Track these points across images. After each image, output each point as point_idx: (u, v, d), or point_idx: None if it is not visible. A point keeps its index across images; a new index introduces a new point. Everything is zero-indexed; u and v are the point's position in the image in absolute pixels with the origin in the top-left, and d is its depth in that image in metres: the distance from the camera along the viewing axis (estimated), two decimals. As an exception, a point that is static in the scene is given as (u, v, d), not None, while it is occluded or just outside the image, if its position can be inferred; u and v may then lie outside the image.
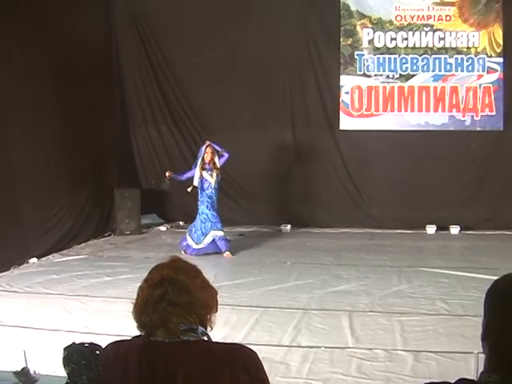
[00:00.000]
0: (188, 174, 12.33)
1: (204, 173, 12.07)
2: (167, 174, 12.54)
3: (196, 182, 12.08)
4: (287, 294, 9.08)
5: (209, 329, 2.59)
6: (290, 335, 7.26)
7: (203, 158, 12.06)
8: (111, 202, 14.23)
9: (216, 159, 12.15)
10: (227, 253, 11.98)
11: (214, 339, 2.61)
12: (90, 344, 3.63)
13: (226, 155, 12.25)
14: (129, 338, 2.60)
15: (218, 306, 2.66)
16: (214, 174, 12.13)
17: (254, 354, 2.50)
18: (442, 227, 14.47)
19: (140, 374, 2.42)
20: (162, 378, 2.40)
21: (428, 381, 2.41)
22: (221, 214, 15.14)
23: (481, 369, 2.27)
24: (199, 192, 12.19)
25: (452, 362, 6.30)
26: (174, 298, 2.46)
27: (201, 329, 2.52)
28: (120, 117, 15.40)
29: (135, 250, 12.48)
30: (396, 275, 10.12)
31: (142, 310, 2.50)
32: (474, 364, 5.88)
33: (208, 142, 12.18)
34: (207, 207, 12.21)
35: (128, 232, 14.13)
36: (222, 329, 7.01)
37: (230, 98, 15.03)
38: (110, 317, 7.88)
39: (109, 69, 14.78)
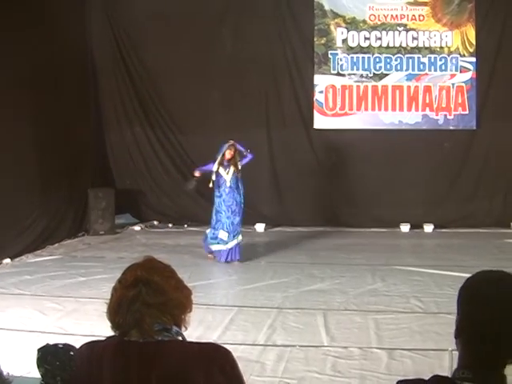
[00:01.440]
0: (210, 166, 11.63)
1: (220, 168, 11.44)
2: (196, 173, 11.88)
3: (213, 176, 11.45)
4: (262, 293, 9.09)
5: (183, 329, 2.58)
6: (265, 334, 7.27)
7: (224, 154, 11.44)
8: (85, 202, 14.16)
9: (238, 159, 11.50)
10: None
11: (189, 339, 2.61)
12: (65, 345, 3.60)
13: (250, 156, 11.61)
14: (103, 339, 2.58)
15: (193, 306, 2.65)
16: (231, 171, 11.40)
17: (228, 353, 2.50)
18: (416, 225, 14.56)
19: (114, 375, 2.41)
20: (136, 379, 2.39)
21: (402, 378, 2.42)
22: (195, 213, 15.19)
23: (455, 366, 2.29)
24: (215, 189, 11.54)
25: (426, 360, 6.34)
26: (148, 298, 2.45)
27: (175, 329, 2.52)
28: (94, 117, 15.29)
29: (109, 250, 12.42)
30: (370, 274, 10.15)
31: (116, 311, 2.49)
32: (448, 361, 5.92)
33: (232, 142, 11.57)
34: (225, 210, 11.45)
35: (102, 232, 14.06)
36: (197, 328, 7.00)
37: (204, 99, 15.00)
38: (84, 317, 7.84)
39: (83, 70, 14.68)
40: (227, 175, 11.39)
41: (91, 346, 2.58)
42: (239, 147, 11.56)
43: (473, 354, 2.21)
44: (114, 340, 2.48)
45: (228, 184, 11.36)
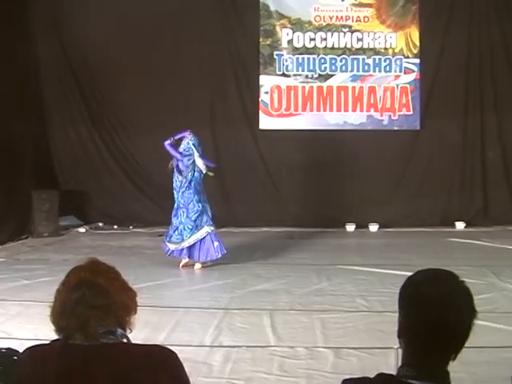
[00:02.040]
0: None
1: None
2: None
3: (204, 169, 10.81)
4: (208, 293, 9.07)
5: (128, 331, 2.56)
6: (211, 335, 7.24)
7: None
8: (29, 203, 13.95)
9: None
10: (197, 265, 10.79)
11: (135, 341, 2.58)
12: (8, 349, 3.55)
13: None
14: (47, 342, 2.54)
15: (139, 308, 2.62)
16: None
17: (174, 355, 2.48)
18: (361, 225, 14.68)
19: (58, 379, 2.37)
20: (81, 382, 2.36)
21: (348, 377, 2.44)
22: (140, 215, 15.11)
23: (400, 363, 2.31)
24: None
25: (372, 358, 6.38)
26: (92, 301, 2.42)
27: (120, 331, 2.49)
28: (38, 117, 15.09)
29: (53, 253, 12.25)
30: (316, 273, 10.18)
31: (59, 314, 2.45)
32: (393, 359, 5.96)
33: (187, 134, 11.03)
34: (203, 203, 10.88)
35: (46, 234, 13.89)
36: (144, 330, 6.94)
37: (149, 98, 14.91)
38: (28, 321, 7.71)
39: (25, 68, 14.46)
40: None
41: (35, 350, 2.54)
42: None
43: (416, 352, 2.24)
44: (58, 344, 2.44)
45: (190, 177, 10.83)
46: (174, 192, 10.86)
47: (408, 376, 2.23)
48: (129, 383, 2.35)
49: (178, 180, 10.81)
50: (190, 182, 10.66)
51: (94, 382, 2.34)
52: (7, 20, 13.26)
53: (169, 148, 10.88)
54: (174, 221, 10.75)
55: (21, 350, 2.71)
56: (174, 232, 10.66)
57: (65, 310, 2.42)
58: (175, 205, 10.84)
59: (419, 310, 2.25)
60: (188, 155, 10.78)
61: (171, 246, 10.65)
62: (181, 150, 10.86)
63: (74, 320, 2.40)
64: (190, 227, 10.53)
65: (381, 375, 2.33)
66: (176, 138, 10.97)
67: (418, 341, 2.24)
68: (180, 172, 10.77)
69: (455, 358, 2.28)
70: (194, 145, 10.83)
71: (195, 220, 10.57)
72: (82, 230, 14.83)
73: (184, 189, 10.66)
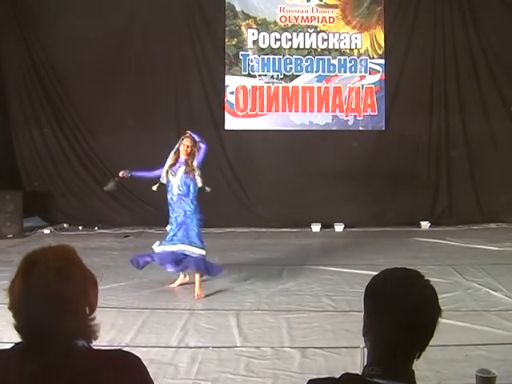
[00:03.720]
0: (157, 172, 9.50)
1: (170, 170, 9.30)
2: (121, 174, 9.76)
3: (163, 179, 9.30)
4: (173, 295, 9.05)
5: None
6: (177, 336, 7.22)
7: (178, 151, 9.30)
8: (-9, 204, 13.80)
9: (196, 153, 9.34)
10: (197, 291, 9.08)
11: (100, 342, 2.54)
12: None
13: (204, 147, 9.42)
14: (9, 347, 2.50)
15: (105, 310, 2.59)
16: (180, 172, 9.21)
17: (137, 359, 2.44)
18: (327, 225, 14.73)
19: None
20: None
21: (315, 377, 2.43)
22: (106, 216, 15.00)
23: (366, 363, 2.31)
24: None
25: (338, 357, 6.41)
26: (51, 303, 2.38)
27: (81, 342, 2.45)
28: (1, 118, 14.93)
29: (18, 254, 12.04)
30: (282, 273, 10.20)
31: (17, 314, 2.41)
32: (359, 358, 5.98)
33: (188, 133, 9.50)
34: (170, 222, 9.36)
35: (10, 235, 13.72)
36: (109, 332, 6.91)
37: (114, 98, 14.82)
38: (-9, 323, 7.63)
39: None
40: (175, 178, 9.23)
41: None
42: (195, 137, 9.46)
43: (381, 350, 2.26)
44: (20, 348, 2.40)
45: (176, 191, 9.21)
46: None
47: (373, 375, 2.24)
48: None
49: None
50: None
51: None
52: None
53: (139, 174, 9.88)
54: None
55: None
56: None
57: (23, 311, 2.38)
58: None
59: (384, 308, 2.27)
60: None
61: None
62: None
63: (34, 326, 2.35)
64: None
65: (346, 375, 2.34)
66: (138, 175, 9.92)
67: (383, 340, 2.26)
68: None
69: (419, 357, 2.29)
70: None
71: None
72: (46, 231, 14.68)
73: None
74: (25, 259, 2.42)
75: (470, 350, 6.55)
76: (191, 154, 9.25)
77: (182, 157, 9.26)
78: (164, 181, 9.30)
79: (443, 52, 15.04)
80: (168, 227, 9.38)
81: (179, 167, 9.23)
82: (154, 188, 9.41)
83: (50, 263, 2.38)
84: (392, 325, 2.23)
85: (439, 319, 2.30)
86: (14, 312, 2.39)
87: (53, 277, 2.35)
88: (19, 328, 2.39)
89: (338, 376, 2.34)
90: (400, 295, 2.27)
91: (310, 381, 2.37)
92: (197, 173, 9.25)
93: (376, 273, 2.42)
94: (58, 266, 2.39)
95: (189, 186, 9.19)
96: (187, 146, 9.21)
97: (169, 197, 9.27)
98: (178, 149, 9.32)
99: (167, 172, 9.27)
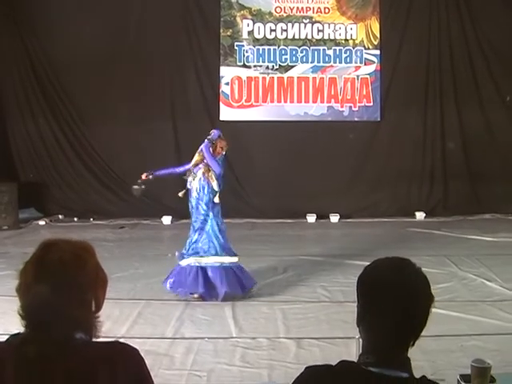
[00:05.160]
0: (181, 169, 8.96)
1: (192, 171, 8.71)
2: (143, 176, 9.16)
3: (188, 183, 8.74)
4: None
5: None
6: (173, 327, 7.23)
7: (216, 147, 8.65)
8: (-13, 196, 13.78)
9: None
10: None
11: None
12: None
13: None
14: (5, 340, 2.50)
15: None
16: (199, 175, 8.62)
17: (134, 351, 2.44)
18: (322, 216, 14.73)
19: (16, 376, 2.33)
20: (39, 380, 2.32)
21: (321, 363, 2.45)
22: (101, 207, 14.98)
23: (361, 351, 2.33)
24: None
25: (334, 348, 6.43)
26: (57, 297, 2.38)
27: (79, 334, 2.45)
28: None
29: (13, 246, 12.10)
30: (277, 264, 10.21)
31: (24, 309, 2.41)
32: (355, 348, 5.99)
33: (220, 132, 8.89)
34: (191, 228, 8.79)
35: (5, 227, 13.72)
36: (105, 323, 6.86)
37: (109, 90, 14.78)
38: (-13, 314, 7.63)
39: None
40: (194, 181, 8.67)
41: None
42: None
43: (375, 339, 2.28)
44: (17, 340, 2.40)
45: (194, 194, 8.67)
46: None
47: (368, 363, 2.26)
48: (86, 381, 2.31)
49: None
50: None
51: (53, 380, 2.30)
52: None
53: (207, 154, 8.61)
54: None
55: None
56: None
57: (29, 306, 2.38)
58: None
59: (376, 297, 2.29)
60: (223, 164, 8.85)
61: None
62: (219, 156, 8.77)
63: (39, 331, 2.35)
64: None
65: (342, 362, 2.36)
66: (213, 138, 8.70)
67: (377, 328, 2.28)
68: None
69: (414, 344, 2.31)
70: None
71: None
72: (41, 222, 14.67)
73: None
74: (43, 241, 2.43)
75: (465, 340, 6.57)
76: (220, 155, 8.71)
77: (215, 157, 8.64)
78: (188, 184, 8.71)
79: (438, 43, 15.03)
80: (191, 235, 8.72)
81: (199, 169, 8.65)
82: (180, 195, 8.86)
83: (69, 247, 2.42)
84: (385, 313, 2.25)
85: (432, 307, 2.31)
86: (21, 293, 2.39)
87: (69, 258, 2.38)
88: (23, 310, 2.38)
89: (334, 364, 2.36)
90: (392, 283, 2.28)
91: (307, 367, 2.40)
92: (213, 175, 8.58)
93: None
94: (76, 251, 2.43)
95: (204, 189, 8.60)
96: (225, 146, 8.78)
97: (190, 201, 8.73)
98: (215, 144, 8.64)
99: (190, 172, 8.69)
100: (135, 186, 9.41)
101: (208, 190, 8.55)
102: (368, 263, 2.44)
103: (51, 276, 2.33)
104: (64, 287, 2.33)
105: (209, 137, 8.67)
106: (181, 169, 8.92)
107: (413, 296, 2.27)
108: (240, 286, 8.44)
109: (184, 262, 8.49)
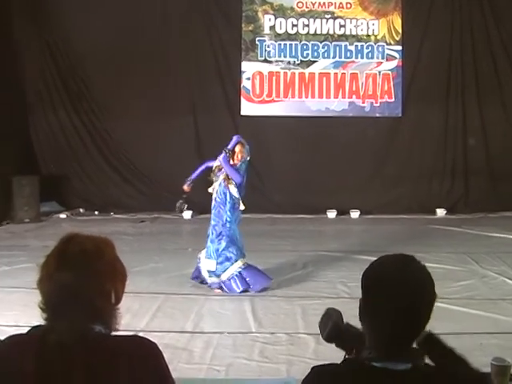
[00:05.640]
0: (210, 164, 9.04)
1: (215, 172, 8.84)
2: (185, 187, 9.38)
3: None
4: (189, 280, 9.03)
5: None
6: (192, 321, 7.24)
7: (233, 152, 8.70)
8: (9, 189, 13.84)
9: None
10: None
11: (116, 327, 2.56)
12: (-13, 336, 3.53)
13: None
14: (27, 331, 2.52)
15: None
16: (220, 179, 8.74)
17: (153, 345, 2.45)
18: (343, 212, 14.71)
19: (36, 369, 2.35)
20: (59, 373, 2.33)
21: (324, 362, 2.47)
22: (121, 201, 15.01)
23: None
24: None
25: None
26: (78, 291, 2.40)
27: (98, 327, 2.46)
28: (17, 102, 14.94)
29: (34, 239, 12.16)
30: (297, 260, 10.20)
31: (45, 303, 2.43)
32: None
33: (240, 138, 8.91)
34: (210, 233, 8.84)
35: (27, 220, 13.79)
36: (124, 317, 6.84)
37: (130, 84, 14.82)
38: (8, 307, 7.66)
39: (5, 53, 14.27)
40: (215, 183, 8.79)
41: (14, 339, 2.51)
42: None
43: (379, 334, 2.31)
44: (37, 333, 2.42)
45: (214, 195, 8.77)
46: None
47: (371, 358, 2.28)
48: (106, 375, 2.32)
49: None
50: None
51: (73, 373, 2.32)
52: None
53: (225, 165, 8.61)
54: None
55: (1, 337, 2.68)
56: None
57: (49, 300, 2.39)
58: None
59: (380, 293, 2.31)
60: (245, 171, 8.79)
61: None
62: (240, 162, 8.72)
63: (60, 320, 2.37)
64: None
65: (347, 359, 2.42)
66: (230, 147, 8.71)
67: (380, 323, 2.30)
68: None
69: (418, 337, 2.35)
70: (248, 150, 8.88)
71: None
72: (62, 215, 14.75)
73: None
74: (64, 235, 2.47)
75: (485, 338, 6.53)
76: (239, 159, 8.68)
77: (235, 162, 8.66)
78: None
79: (460, 38, 14.95)
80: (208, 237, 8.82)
81: (221, 173, 8.70)
82: (211, 190, 8.85)
83: (89, 240, 2.47)
84: (388, 309, 2.26)
85: (434, 303, 2.32)
86: (42, 285, 2.41)
87: (89, 248, 2.42)
88: (44, 299, 2.40)
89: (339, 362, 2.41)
90: (396, 279, 2.30)
91: (313, 367, 2.42)
92: (233, 183, 8.63)
93: None
94: (96, 243, 2.47)
95: (226, 195, 8.64)
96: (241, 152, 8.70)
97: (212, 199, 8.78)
98: (233, 150, 8.68)
99: (213, 172, 8.79)
100: (180, 201, 9.47)
101: (230, 197, 8.65)
102: None
103: (72, 265, 2.37)
104: (84, 275, 2.36)
105: (225, 148, 8.70)
106: (212, 162, 8.96)
107: (416, 292, 2.28)
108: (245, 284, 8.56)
109: (225, 276, 8.53)
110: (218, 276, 8.55)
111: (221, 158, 8.66)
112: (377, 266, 2.42)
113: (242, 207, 8.72)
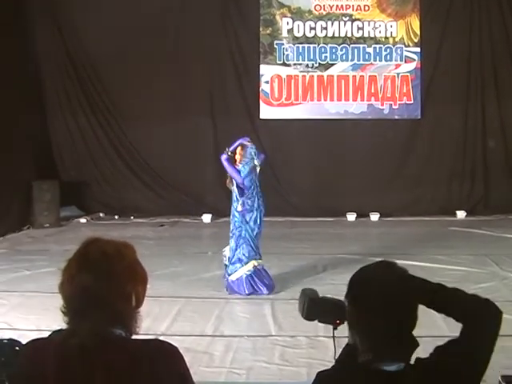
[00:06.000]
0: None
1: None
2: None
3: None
4: (209, 283, 9.06)
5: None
6: (212, 325, 7.26)
7: (233, 156, 8.79)
8: (29, 194, 13.92)
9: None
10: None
11: (136, 332, 2.58)
12: (10, 340, 3.55)
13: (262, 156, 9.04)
14: (48, 336, 2.54)
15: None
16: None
17: (174, 349, 2.46)
18: (362, 214, 14.68)
19: (58, 373, 2.36)
20: (79, 377, 2.35)
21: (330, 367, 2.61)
22: (141, 205, 15.06)
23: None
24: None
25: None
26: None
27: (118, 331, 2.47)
28: (37, 107, 15.03)
29: (54, 243, 12.23)
30: (316, 262, 10.19)
31: (66, 307, 2.45)
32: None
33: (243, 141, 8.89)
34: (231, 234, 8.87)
35: (47, 225, 13.86)
36: (145, 320, 6.85)
37: (148, 88, 14.87)
38: (29, 311, 7.72)
39: (25, 58, 14.36)
40: (233, 186, 8.84)
41: (36, 343, 2.53)
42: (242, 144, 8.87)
43: (372, 338, 2.39)
44: (58, 337, 2.43)
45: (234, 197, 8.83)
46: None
47: (367, 361, 2.36)
48: (127, 378, 2.33)
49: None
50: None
51: (93, 377, 2.33)
52: (5, 10, 13.16)
53: (226, 164, 8.70)
54: None
55: (22, 341, 2.71)
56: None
57: (71, 302, 2.41)
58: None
59: (367, 295, 2.42)
60: (249, 173, 8.71)
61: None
62: (241, 164, 8.73)
63: (81, 322, 2.38)
64: None
65: (347, 363, 2.56)
66: (231, 149, 8.78)
67: (371, 328, 2.38)
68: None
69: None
70: (254, 154, 8.82)
71: None
72: (82, 220, 14.82)
73: None
74: (86, 239, 2.49)
75: (507, 340, 6.48)
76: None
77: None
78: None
79: (479, 40, 14.88)
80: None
81: None
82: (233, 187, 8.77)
83: (110, 243, 2.49)
84: (376, 309, 2.35)
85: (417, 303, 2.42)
86: (64, 288, 2.43)
87: (110, 250, 2.44)
88: (65, 301, 2.42)
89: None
90: (380, 280, 2.43)
91: (318, 373, 2.53)
92: (235, 184, 8.72)
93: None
94: (117, 247, 2.48)
95: (236, 196, 8.76)
96: (240, 155, 8.73)
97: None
98: (235, 151, 8.75)
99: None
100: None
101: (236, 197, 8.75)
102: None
103: (93, 267, 2.38)
104: (105, 278, 2.38)
105: (227, 148, 8.79)
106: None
107: (402, 292, 2.39)
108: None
109: (234, 276, 8.61)
110: (229, 275, 8.63)
111: (223, 157, 8.73)
112: (361, 273, 2.55)
113: (239, 208, 8.69)
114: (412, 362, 2.39)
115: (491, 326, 2.59)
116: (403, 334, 2.37)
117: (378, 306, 2.34)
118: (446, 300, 2.54)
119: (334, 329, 2.79)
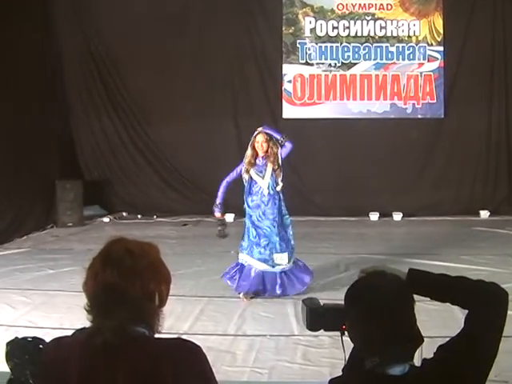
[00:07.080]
0: (234, 175, 8.79)
1: (252, 171, 8.59)
2: (217, 215, 9.04)
3: (245, 179, 8.68)
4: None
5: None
6: (235, 324, 7.27)
7: (254, 148, 8.55)
8: (53, 193, 14.01)
9: (276, 150, 8.55)
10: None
11: (159, 330, 2.58)
12: (34, 338, 3.57)
13: (290, 146, 8.66)
14: (72, 334, 2.55)
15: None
16: (268, 173, 8.54)
17: (197, 348, 2.46)
18: (385, 214, 14.63)
19: (81, 371, 2.38)
20: (103, 375, 2.36)
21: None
22: (164, 204, 15.08)
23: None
24: (246, 196, 8.77)
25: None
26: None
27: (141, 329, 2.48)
28: (61, 108, 15.12)
29: (78, 242, 12.30)
30: (339, 262, 10.17)
31: (90, 305, 2.46)
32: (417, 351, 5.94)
33: (260, 129, 8.76)
34: (251, 226, 8.75)
35: (70, 224, 13.93)
36: (167, 320, 6.87)
37: (171, 88, 14.91)
38: (53, 310, 7.77)
39: (48, 59, 14.45)
40: (263, 180, 8.57)
41: (60, 341, 2.54)
42: (272, 133, 8.75)
43: (374, 344, 2.45)
44: (82, 336, 2.45)
45: (266, 192, 8.57)
46: None
47: (374, 366, 2.42)
48: (150, 377, 2.34)
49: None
50: None
51: (116, 376, 2.34)
52: (29, 11, 13.23)
53: (272, 131, 8.82)
54: None
55: (46, 339, 2.72)
56: None
57: (95, 302, 2.42)
58: None
59: (364, 302, 2.50)
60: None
61: None
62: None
63: (105, 320, 2.40)
64: None
65: (355, 370, 2.61)
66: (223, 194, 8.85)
67: (370, 333, 2.45)
68: None
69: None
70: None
71: None
72: (106, 219, 14.89)
73: None
74: (110, 237, 2.51)
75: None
76: (272, 154, 8.49)
77: (260, 154, 8.53)
78: (245, 182, 8.65)
79: (503, 39, 14.78)
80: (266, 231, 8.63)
81: (265, 166, 8.53)
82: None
83: (134, 241, 2.51)
84: (375, 314, 2.43)
85: (414, 305, 2.51)
86: (88, 285, 2.44)
87: (134, 248, 2.46)
88: (89, 299, 2.43)
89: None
90: (375, 286, 2.53)
91: (330, 380, 2.60)
92: (280, 176, 8.60)
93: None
94: (141, 245, 2.51)
95: (274, 187, 8.59)
96: (261, 144, 8.48)
97: (255, 199, 8.62)
98: (253, 146, 8.59)
99: (247, 171, 8.56)
100: (219, 228, 9.09)
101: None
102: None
103: (117, 264, 2.40)
104: (128, 275, 2.39)
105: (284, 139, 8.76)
106: (234, 175, 8.81)
107: (398, 294, 2.49)
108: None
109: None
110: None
111: (265, 129, 8.74)
112: (356, 284, 2.63)
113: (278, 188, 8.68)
114: (418, 364, 2.45)
115: (496, 306, 2.58)
116: (403, 334, 2.42)
117: (373, 313, 2.42)
118: (450, 288, 2.58)
119: (342, 334, 2.79)
